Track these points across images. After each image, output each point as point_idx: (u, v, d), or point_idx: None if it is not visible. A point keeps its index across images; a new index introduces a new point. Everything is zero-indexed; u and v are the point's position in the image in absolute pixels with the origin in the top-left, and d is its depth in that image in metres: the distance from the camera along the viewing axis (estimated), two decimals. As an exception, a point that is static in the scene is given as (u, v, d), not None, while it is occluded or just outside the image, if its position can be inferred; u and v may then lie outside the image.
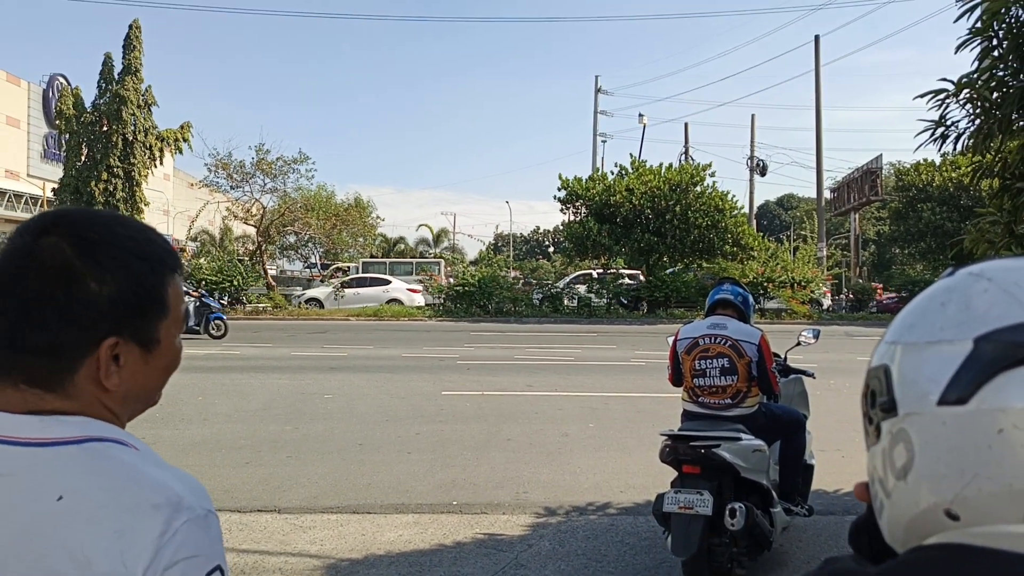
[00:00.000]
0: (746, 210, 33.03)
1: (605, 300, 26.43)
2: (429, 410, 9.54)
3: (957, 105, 4.62)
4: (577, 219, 27.31)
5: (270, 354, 15.29)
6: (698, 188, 26.24)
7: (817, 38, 33.13)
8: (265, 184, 28.23)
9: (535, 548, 4.95)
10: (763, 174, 41.80)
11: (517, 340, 18.37)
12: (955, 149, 4.88)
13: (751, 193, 41.13)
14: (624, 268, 27.14)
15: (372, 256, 39.51)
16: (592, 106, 42.38)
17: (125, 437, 0.96)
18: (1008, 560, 0.63)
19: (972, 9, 4.38)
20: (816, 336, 5.33)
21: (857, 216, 38.88)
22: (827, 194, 37.93)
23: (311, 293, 28.17)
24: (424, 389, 11.03)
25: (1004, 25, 4.37)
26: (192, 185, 38.85)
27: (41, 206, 35.24)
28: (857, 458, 7.06)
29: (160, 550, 0.86)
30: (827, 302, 28.37)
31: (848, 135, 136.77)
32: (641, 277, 27.25)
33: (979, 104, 4.52)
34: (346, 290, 27.51)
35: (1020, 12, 4.35)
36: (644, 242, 25.72)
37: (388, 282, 28.85)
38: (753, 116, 40.89)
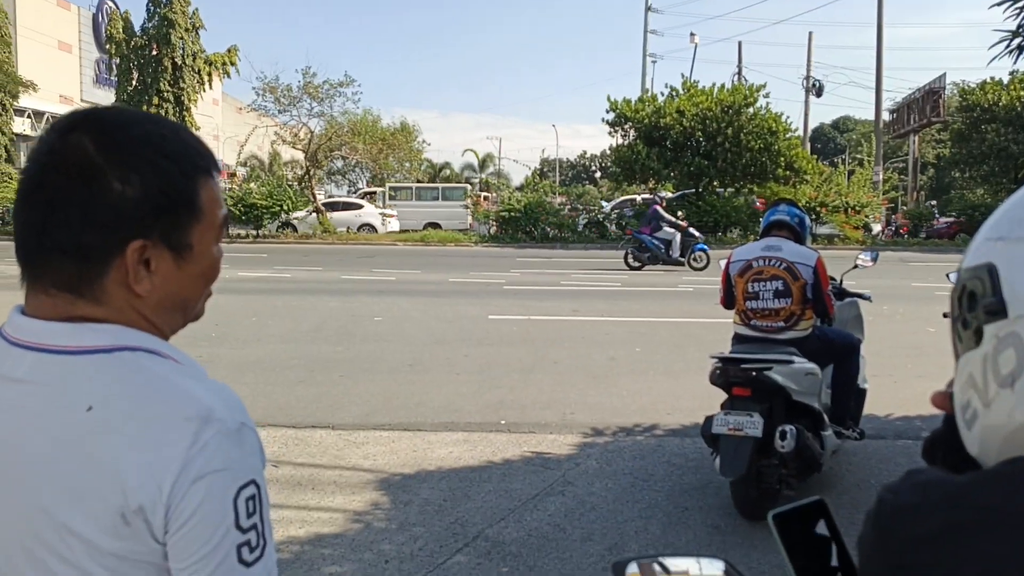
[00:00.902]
0: (800, 133, 32.03)
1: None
2: (476, 333, 9.64)
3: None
4: (625, 142, 26.79)
5: (320, 277, 15.51)
6: (751, 110, 25.44)
7: (881, -51, 31.37)
8: (312, 108, 28.14)
9: (582, 466, 5.02)
10: (819, 95, 40.31)
11: (563, 266, 18.33)
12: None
13: (806, 115, 39.82)
14: (670, 192, 26.65)
15: (418, 181, 39.44)
16: (642, 25, 41.09)
17: (160, 347, 0.93)
18: None
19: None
20: (874, 259, 5.19)
21: (916, 139, 37.51)
22: (886, 116, 36.56)
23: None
24: (471, 313, 11.11)
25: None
26: (240, 110, 38.99)
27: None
28: (910, 383, 7.00)
29: (189, 462, 0.84)
30: (876, 228, 27.62)
31: (910, 53, 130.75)
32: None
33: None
34: (320, 215, 27.58)
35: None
36: (694, 166, 25.17)
37: (360, 207, 29.23)
38: (811, 34, 39.04)
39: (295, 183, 29.81)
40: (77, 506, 0.86)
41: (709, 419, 4.14)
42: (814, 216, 24.74)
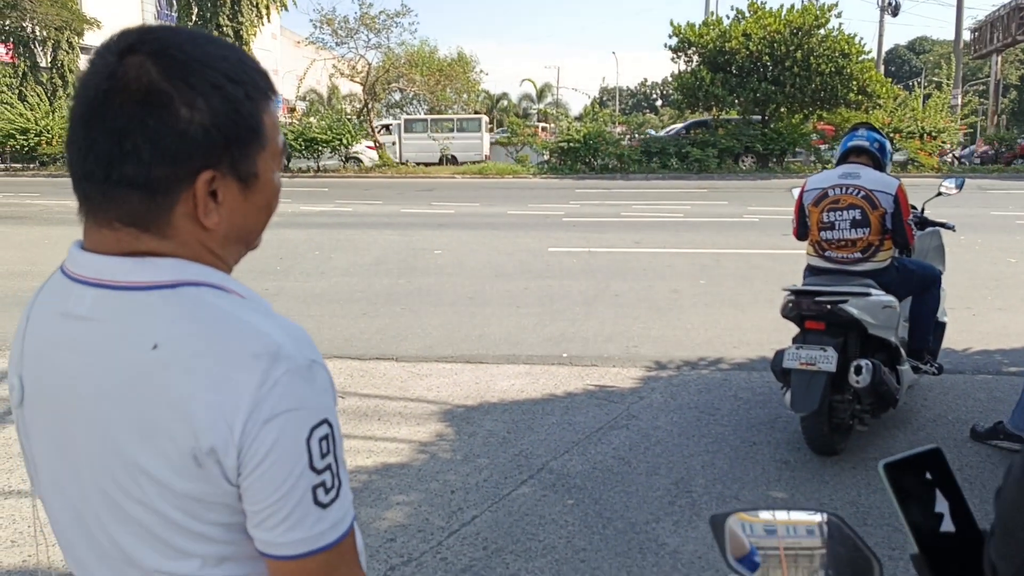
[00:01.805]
0: (874, 55, 30.54)
1: (715, 152, 25.40)
2: (536, 266, 9.57)
3: None
4: (688, 69, 25.91)
5: (380, 211, 15.58)
6: (822, 31, 24.22)
7: None
8: (369, 40, 27.89)
9: (646, 400, 4.96)
10: (895, 14, 38.20)
11: (623, 197, 18.03)
12: None
13: (880, 36, 37.82)
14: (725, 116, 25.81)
15: (476, 112, 39.04)
16: (707, -56, 39.24)
17: (225, 282, 0.89)
18: None
19: None
20: (960, 186, 4.91)
21: (999, 59, 35.39)
22: (966, 35, 34.57)
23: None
24: (531, 246, 11.03)
25: None
26: (298, 44, 38.86)
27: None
28: (989, 316, 6.74)
29: (259, 402, 0.80)
30: (950, 156, 26.40)
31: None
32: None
33: None
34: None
35: None
36: (761, 92, 24.22)
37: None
38: (887, -52, 36.89)
39: (354, 116, 29.79)
40: (148, 446, 0.82)
41: (780, 353, 4.01)
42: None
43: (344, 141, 25.77)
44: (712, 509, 3.54)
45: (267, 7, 29.98)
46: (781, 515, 1.01)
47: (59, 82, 29.02)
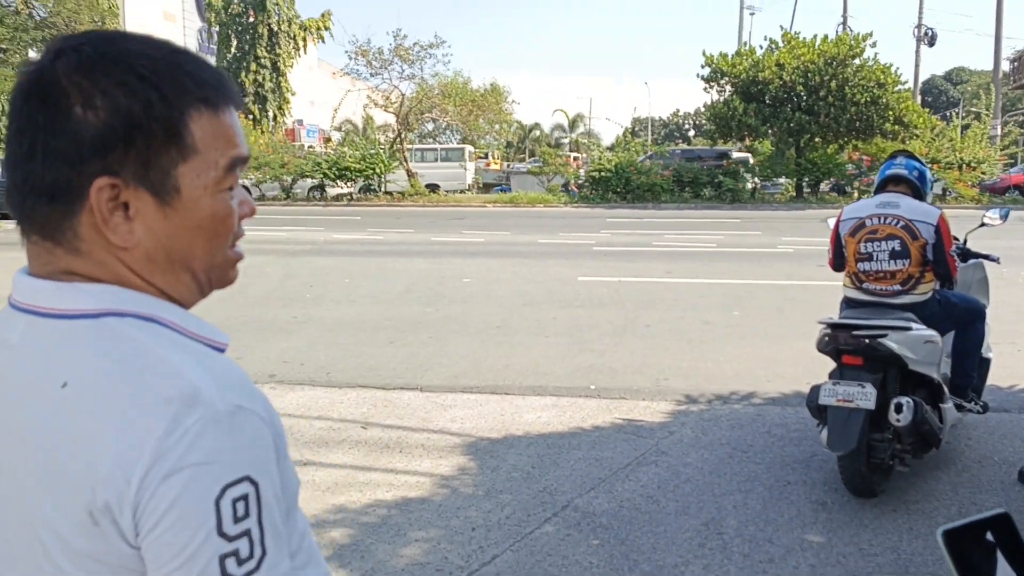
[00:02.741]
0: (910, 85, 30.22)
1: (750, 183, 25.19)
2: (565, 295, 9.46)
3: None
4: (721, 98, 25.82)
5: (411, 239, 15.60)
6: (857, 61, 24.05)
7: None
8: (403, 71, 28.23)
9: (676, 435, 4.81)
10: (932, 44, 37.93)
11: (655, 226, 17.89)
12: None
13: (916, 66, 37.55)
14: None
15: (508, 142, 39.23)
16: (740, -25, 39.35)
17: (159, 311, 0.79)
18: None
19: None
20: (1004, 216, 4.72)
21: (1041, 89, 34.85)
22: (1005, 65, 34.10)
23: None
24: (560, 274, 10.94)
25: None
26: (334, 75, 39.53)
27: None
28: (1035, 353, 6.46)
29: (163, 454, 0.69)
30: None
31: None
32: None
33: None
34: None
35: None
36: (794, 121, 24.03)
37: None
38: (924, -21, 36.68)
39: (387, 146, 30.08)
40: (49, 496, 0.73)
41: (816, 388, 3.86)
42: (925, 173, 23.36)
43: (377, 170, 26.01)
44: (744, 552, 3.38)
45: (304, 40, 30.53)
46: None
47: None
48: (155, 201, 0.78)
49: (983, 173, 24.64)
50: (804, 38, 24.81)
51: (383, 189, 26.65)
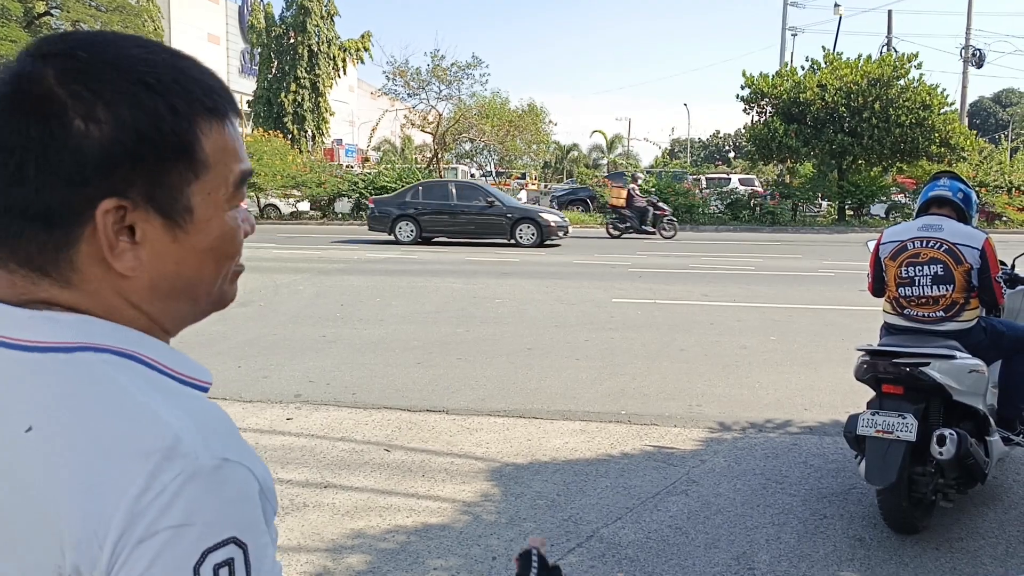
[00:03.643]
0: (957, 107, 29.62)
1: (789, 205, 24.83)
2: (599, 317, 9.33)
3: None
4: (761, 119, 25.56)
5: (445, 258, 15.60)
6: (901, 82, 23.67)
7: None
8: (441, 91, 28.48)
9: (708, 464, 4.65)
10: (979, 66, 37.08)
11: (692, 248, 17.68)
12: None
13: (963, 87, 36.74)
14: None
15: (545, 163, 39.27)
16: (781, -4, 38.98)
17: (141, 347, 0.70)
18: None
19: None
20: (1055, 241, 4.53)
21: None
22: (1057, 86, 33.25)
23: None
24: (594, 296, 10.81)
25: None
26: (373, 95, 40.01)
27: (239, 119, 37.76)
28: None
29: (137, 516, 0.61)
30: None
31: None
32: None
33: None
34: None
35: None
36: (837, 143, 23.68)
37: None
38: (970, -1, 35.99)
39: (424, 166, 30.29)
40: (11, 555, 0.64)
41: (854, 418, 3.69)
42: (971, 196, 22.84)
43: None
44: (776, 590, 3.22)
45: (343, 60, 30.95)
46: None
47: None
48: (164, 223, 0.70)
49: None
50: (847, 58, 24.50)
51: None
